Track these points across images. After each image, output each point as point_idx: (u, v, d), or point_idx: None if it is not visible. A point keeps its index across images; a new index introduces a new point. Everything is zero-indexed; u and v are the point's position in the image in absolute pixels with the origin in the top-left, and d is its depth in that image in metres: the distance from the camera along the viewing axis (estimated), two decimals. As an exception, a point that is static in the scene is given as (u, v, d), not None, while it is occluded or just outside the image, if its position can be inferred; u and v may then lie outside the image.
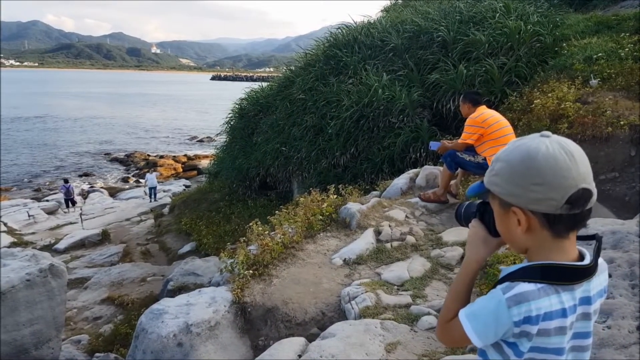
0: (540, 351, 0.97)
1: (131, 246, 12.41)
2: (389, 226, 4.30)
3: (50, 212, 17.02)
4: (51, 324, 5.79)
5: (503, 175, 0.96)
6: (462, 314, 1.01)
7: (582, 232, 0.99)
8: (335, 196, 4.95)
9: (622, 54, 6.24)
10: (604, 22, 8.01)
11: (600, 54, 6.43)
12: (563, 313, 0.94)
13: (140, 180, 22.37)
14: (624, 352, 1.77)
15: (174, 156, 29.42)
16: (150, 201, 18.10)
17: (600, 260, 1.00)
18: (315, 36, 12.86)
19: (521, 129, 5.40)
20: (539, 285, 0.93)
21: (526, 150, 0.93)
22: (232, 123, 14.32)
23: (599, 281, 1.00)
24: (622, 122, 4.68)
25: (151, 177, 18.71)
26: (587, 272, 0.96)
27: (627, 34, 6.89)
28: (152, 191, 18.46)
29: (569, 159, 0.89)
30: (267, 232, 4.13)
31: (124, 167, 27.70)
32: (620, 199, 4.32)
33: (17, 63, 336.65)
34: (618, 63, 6.07)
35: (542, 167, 0.90)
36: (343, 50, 10.46)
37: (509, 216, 0.98)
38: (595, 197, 0.92)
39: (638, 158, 4.53)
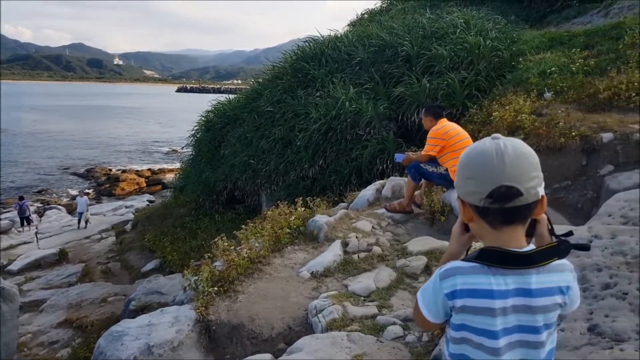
0: (470, 330, 1.02)
1: (91, 265, 11.94)
2: (356, 237, 4.32)
3: (3, 232, 16.08)
4: (2, 351, 5.47)
5: (457, 170, 1.07)
6: (418, 292, 1.13)
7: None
8: (303, 209, 4.93)
9: (574, 68, 6.59)
10: (557, 39, 8.43)
11: (553, 69, 6.76)
12: (490, 294, 0.98)
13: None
14: (576, 353, 1.84)
15: (137, 170, 28.59)
16: (78, 228, 16.10)
17: (564, 262, 1.04)
18: (284, 49, 12.88)
19: (481, 140, 5.59)
20: (471, 264, 1.01)
21: (469, 148, 1.03)
22: (198, 136, 14.14)
23: (551, 278, 1.01)
24: (573, 133, 4.91)
25: (81, 201, 16.38)
26: (521, 259, 0.99)
27: (578, 50, 7.28)
28: (80, 216, 16.25)
29: (497, 158, 0.95)
30: (233, 247, 4.05)
31: (84, 183, 26.69)
32: (573, 206, 4.52)
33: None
34: (570, 77, 6.40)
35: (472, 163, 1.00)
36: (310, 64, 10.57)
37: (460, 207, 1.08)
38: (527, 196, 0.95)
39: (589, 167, 4.76)
